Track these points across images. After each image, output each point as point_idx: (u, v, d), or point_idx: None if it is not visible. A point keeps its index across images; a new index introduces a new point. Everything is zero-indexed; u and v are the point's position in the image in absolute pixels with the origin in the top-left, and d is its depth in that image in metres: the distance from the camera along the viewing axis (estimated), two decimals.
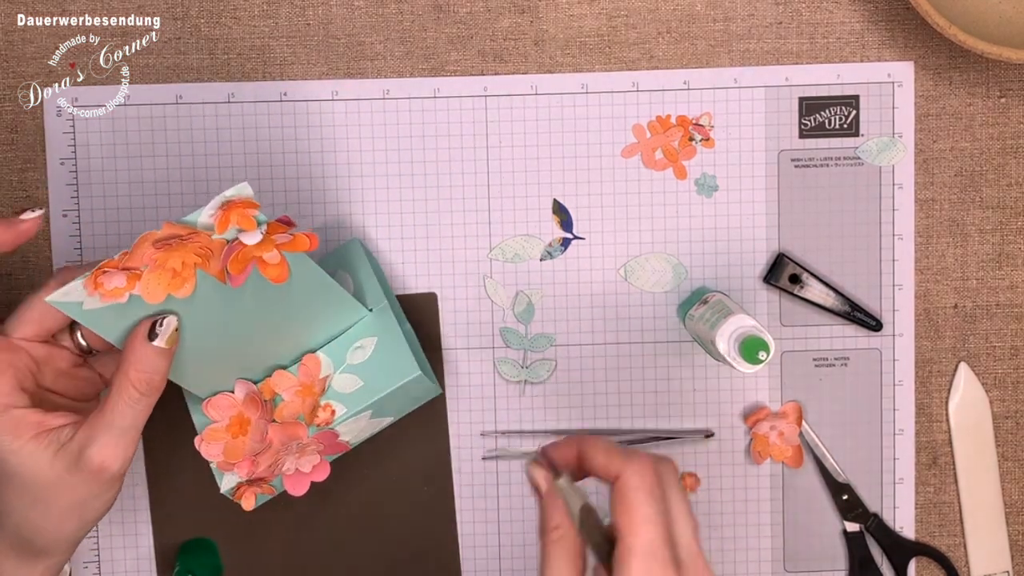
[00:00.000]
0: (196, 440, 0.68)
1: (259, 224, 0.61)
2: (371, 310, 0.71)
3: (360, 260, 0.73)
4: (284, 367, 0.69)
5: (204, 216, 0.61)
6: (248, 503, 0.70)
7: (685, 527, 0.53)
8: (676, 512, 0.54)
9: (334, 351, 0.70)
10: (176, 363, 0.64)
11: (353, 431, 0.70)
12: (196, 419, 0.68)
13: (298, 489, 0.71)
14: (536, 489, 0.56)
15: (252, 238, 0.61)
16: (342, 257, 0.74)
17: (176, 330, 0.61)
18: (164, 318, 0.61)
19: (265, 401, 0.68)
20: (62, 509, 0.62)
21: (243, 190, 0.61)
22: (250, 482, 0.69)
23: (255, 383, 0.68)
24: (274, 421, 0.68)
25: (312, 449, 0.69)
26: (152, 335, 0.60)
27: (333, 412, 0.69)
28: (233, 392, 0.68)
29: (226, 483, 0.69)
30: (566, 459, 0.56)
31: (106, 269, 0.60)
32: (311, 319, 0.68)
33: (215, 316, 0.63)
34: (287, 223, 0.63)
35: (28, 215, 0.63)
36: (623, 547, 0.51)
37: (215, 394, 0.68)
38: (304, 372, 0.69)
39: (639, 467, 0.53)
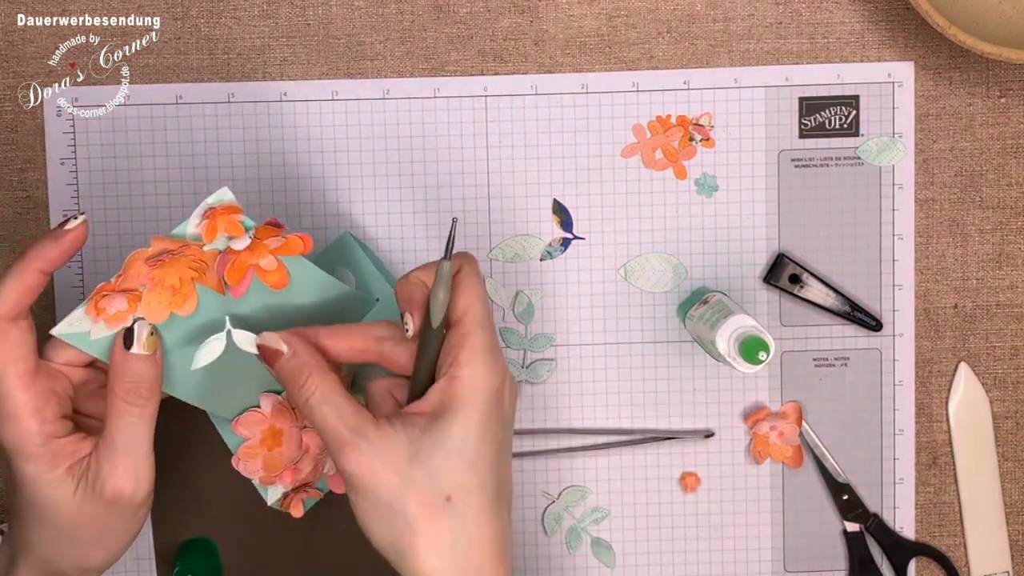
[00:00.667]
0: (233, 460, 0.67)
1: (247, 229, 0.61)
2: (378, 300, 0.71)
3: (356, 253, 0.73)
4: None
5: (191, 227, 0.61)
6: (297, 511, 0.69)
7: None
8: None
9: None
10: (196, 385, 0.64)
11: None
12: (228, 440, 0.68)
13: (343, 487, 0.71)
14: (270, 353, 0.60)
15: (242, 243, 0.61)
16: (337, 253, 0.74)
17: (152, 334, 0.60)
18: (135, 323, 0.60)
19: (293, 408, 0.68)
20: (87, 540, 0.61)
21: (224, 195, 0.61)
22: (295, 489, 0.69)
23: (279, 393, 0.68)
24: (305, 427, 0.68)
25: None
26: (128, 343, 0.60)
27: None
28: (260, 407, 0.68)
29: (272, 496, 0.68)
30: (423, 292, 0.60)
31: (104, 293, 0.59)
32: (320, 319, 0.67)
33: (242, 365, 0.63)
34: (276, 225, 0.63)
35: (72, 223, 0.60)
36: (468, 320, 0.59)
37: (242, 412, 0.68)
38: None
39: (473, 261, 0.61)
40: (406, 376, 0.61)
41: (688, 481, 0.77)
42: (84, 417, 0.63)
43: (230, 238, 0.61)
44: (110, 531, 0.62)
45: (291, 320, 0.65)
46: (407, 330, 0.60)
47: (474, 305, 0.59)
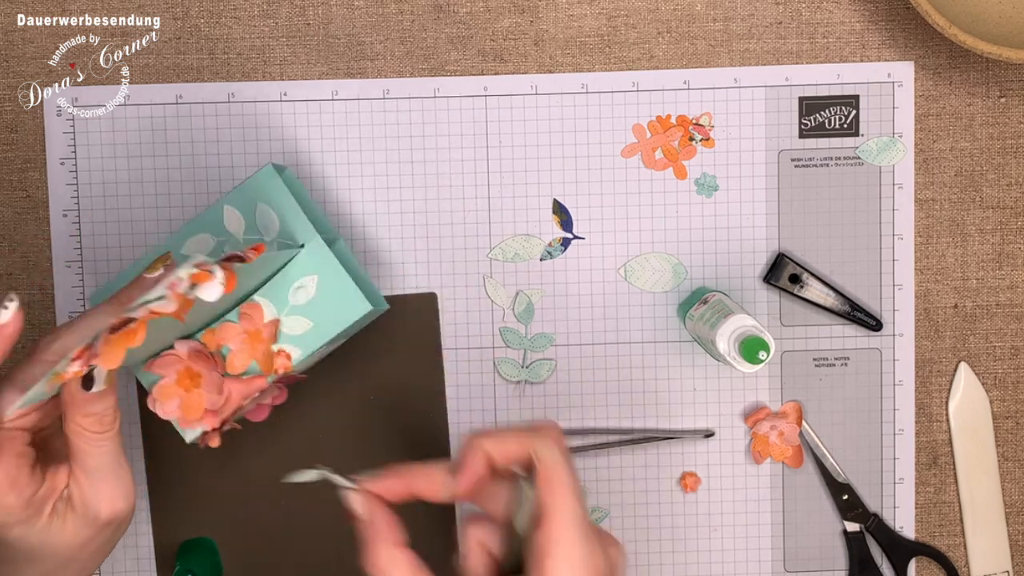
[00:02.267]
0: (148, 401, 0.66)
1: (213, 273, 0.57)
2: (302, 246, 0.68)
3: (280, 192, 0.69)
4: (222, 316, 0.67)
5: (156, 292, 0.57)
6: (215, 442, 0.68)
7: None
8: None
9: (273, 293, 0.68)
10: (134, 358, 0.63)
11: (307, 364, 0.71)
12: (143, 380, 0.67)
13: (259, 416, 0.72)
14: (350, 512, 0.57)
15: (214, 293, 0.57)
16: (257, 190, 0.69)
17: (111, 371, 0.57)
18: (94, 369, 0.57)
19: (212, 353, 0.67)
20: (84, 561, 0.61)
21: (193, 261, 0.57)
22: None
23: (194, 338, 0.67)
24: (226, 374, 0.67)
25: (272, 391, 0.70)
26: (88, 384, 0.57)
27: (289, 356, 0.68)
28: (174, 348, 0.66)
29: (190, 435, 0.68)
30: (478, 471, 0.56)
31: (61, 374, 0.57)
32: (247, 271, 0.65)
33: (167, 324, 0.61)
34: (239, 258, 0.60)
35: (4, 314, 0.57)
36: (556, 523, 0.53)
37: (157, 355, 0.66)
38: (246, 320, 0.67)
39: (551, 441, 0.55)
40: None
41: (688, 481, 0.77)
42: (48, 440, 0.62)
43: (194, 285, 0.57)
44: (105, 545, 0.62)
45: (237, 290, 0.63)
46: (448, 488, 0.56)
47: (562, 503, 0.53)
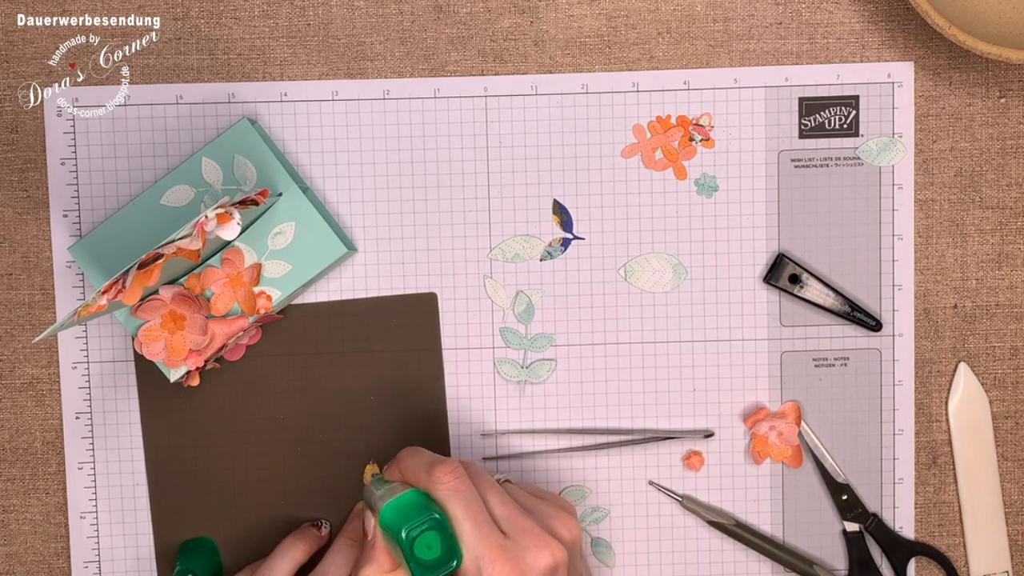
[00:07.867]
0: (135, 344, 0.71)
1: (232, 215, 0.65)
2: (280, 194, 0.73)
3: (256, 144, 0.73)
4: (205, 262, 0.72)
5: (182, 232, 0.64)
6: (195, 381, 0.73)
7: (499, 504, 0.64)
8: (487, 495, 0.64)
9: (253, 239, 0.72)
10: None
11: (284, 304, 0.74)
12: (128, 325, 0.71)
13: (235, 356, 0.76)
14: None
15: (231, 231, 0.65)
16: (235, 142, 0.74)
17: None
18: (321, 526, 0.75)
19: (196, 296, 0.71)
20: None
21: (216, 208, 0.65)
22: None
23: (178, 283, 0.72)
24: (210, 316, 0.71)
25: (250, 331, 0.74)
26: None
27: (270, 298, 0.72)
28: (159, 294, 0.71)
29: (175, 375, 0.72)
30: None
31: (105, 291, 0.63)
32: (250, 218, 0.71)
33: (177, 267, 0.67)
34: (253, 201, 0.67)
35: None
36: (464, 532, 0.62)
37: (143, 300, 0.71)
38: (228, 265, 0.72)
39: (443, 484, 0.63)
40: None
41: (692, 460, 0.77)
42: None
43: (217, 226, 0.65)
44: None
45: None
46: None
47: (464, 522, 0.63)
